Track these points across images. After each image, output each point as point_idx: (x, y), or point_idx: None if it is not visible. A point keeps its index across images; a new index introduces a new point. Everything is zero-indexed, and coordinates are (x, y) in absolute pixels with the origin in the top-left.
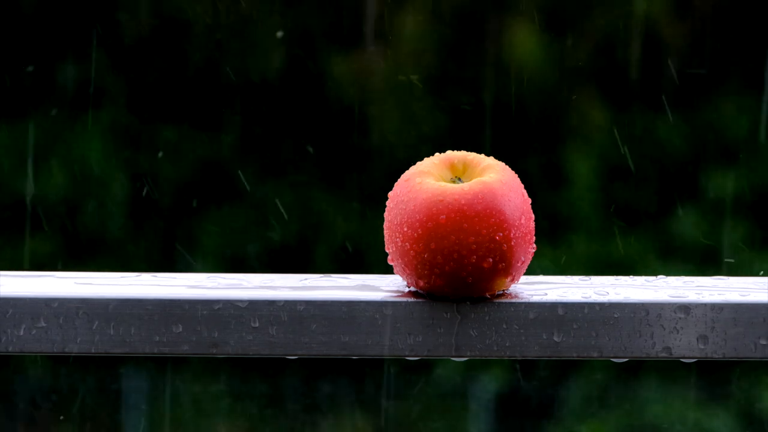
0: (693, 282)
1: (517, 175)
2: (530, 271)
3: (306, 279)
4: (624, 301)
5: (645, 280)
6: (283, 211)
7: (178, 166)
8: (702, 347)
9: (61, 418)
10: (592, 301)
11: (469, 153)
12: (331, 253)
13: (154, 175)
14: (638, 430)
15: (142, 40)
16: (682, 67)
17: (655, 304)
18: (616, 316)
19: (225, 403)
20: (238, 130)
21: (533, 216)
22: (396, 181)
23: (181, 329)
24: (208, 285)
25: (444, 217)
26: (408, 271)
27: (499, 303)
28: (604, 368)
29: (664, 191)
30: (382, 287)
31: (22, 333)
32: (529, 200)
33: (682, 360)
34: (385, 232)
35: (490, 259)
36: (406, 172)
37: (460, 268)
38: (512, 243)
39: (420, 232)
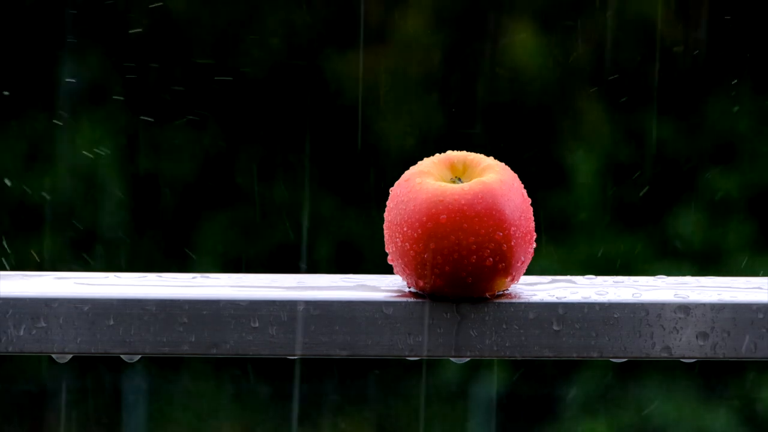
0: (693, 282)
1: (516, 176)
2: (530, 271)
3: (306, 279)
4: (624, 301)
5: (645, 280)
6: (283, 211)
7: (179, 165)
8: (702, 347)
9: (61, 418)
10: (592, 301)
11: (469, 153)
12: (331, 253)
13: (155, 175)
14: (638, 430)
15: (142, 38)
16: (681, 67)
17: (655, 304)
18: (616, 316)
19: (225, 403)
20: (238, 129)
21: (533, 216)
22: (396, 181)
23: (181, 329)
24: (208, 285)
25: (444, 217)
26: (408, 271)
27: (499, 303)
28: (604, 368)
29: (664, 191)
30: (382, 287)
31: (22, 333)
32: (529, 200)
33: (682, 360)
34: (385, 232)
35: (490, 259)
36: (406, 172)
37: (460, 268)
38: (512, 243)
39: (420, 232)
